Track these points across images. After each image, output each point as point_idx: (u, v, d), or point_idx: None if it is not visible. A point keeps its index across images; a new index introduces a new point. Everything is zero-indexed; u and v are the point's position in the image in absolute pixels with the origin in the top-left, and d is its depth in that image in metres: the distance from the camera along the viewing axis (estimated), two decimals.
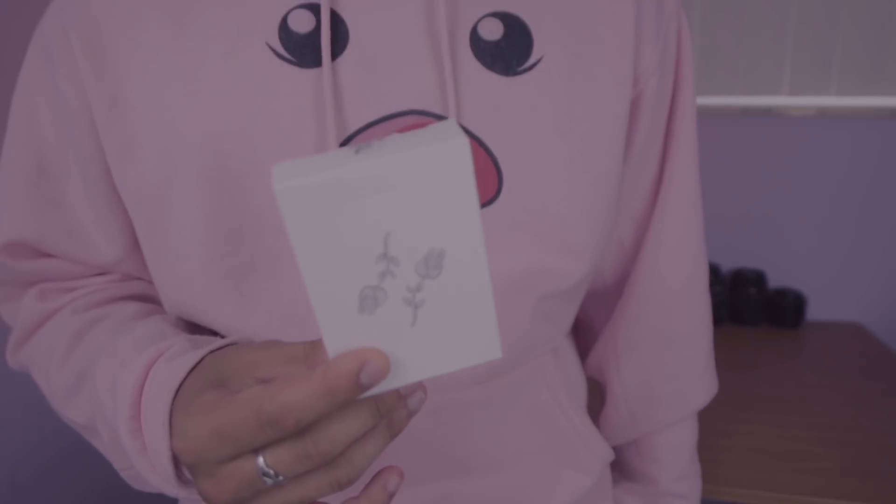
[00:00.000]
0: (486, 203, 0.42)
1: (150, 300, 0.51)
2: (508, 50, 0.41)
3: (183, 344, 0.38)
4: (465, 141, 0.23)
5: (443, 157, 0.23)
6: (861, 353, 1.35)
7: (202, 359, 0.35)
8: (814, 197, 1.51)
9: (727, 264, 1.58)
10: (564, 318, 0.53)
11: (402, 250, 0.25)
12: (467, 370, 0.45)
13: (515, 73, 0.41)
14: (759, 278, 1.50)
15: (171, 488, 0.36)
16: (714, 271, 1.50)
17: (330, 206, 0.24)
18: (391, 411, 0.29)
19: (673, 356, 0.58)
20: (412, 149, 0.23)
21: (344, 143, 0.39)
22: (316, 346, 0.29)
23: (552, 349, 0.53)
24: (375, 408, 0.28)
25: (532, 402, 0.51)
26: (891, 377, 1.23)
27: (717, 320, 1.51)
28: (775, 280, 1.56)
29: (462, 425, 0.48)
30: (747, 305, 1.49)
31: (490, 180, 0.42)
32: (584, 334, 0.65)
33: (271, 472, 0.28)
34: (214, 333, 0.45)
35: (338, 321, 0.26)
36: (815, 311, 1.55)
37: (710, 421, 1.06)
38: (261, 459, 0.28)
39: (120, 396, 0.36)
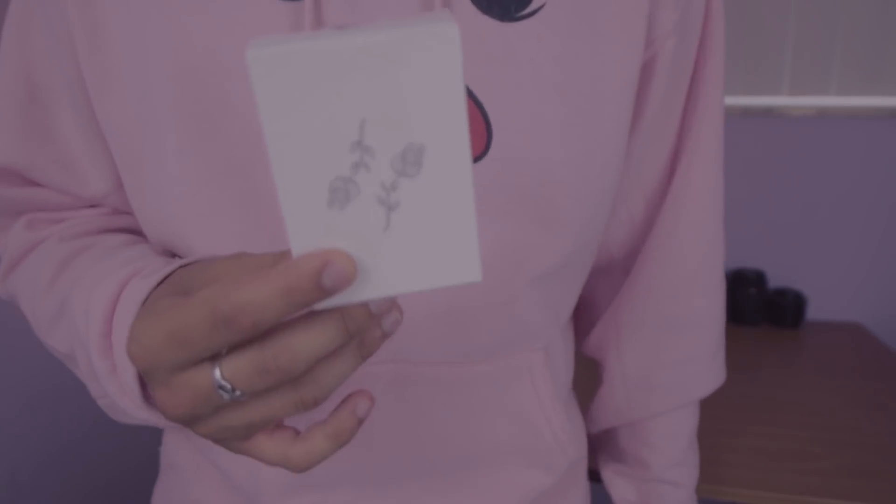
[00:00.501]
0: (473, 159, 0.39)
1: (138, 234, 0.50)
2: None
3: (158, 263, 0.37)
4: (455, 27, 0.21)
5: (431, 40, 0.22)
6: (861, 353, 1.35)
7: (171, 273, 0.34)
8: (814, 197, 1.51)
9: (727, 264, 1.58)
10: (559, 307, 0.49)
11: (378, 140, 0.23)
12: (436, 344, 0.44)
13: (513, 20, 0.38)
14: (759, 278, 1.50)
15: (140, 411, 0.35)
16: None
17: (306, 79, 0.22)
18: (362, 331, 0.27)
19: (679, 343, 0.55)
20: (399, 29, 0.22)
21: None
22: (285, 255, 0.27)
23: (543, 346, 0.49)
24: (343, 323, 0.26)
25: (515, 403, 0.49)
26: (891, 377, 1.23)
27: None
28: (775, 280, 1.56)
29: (431, 409, 0.46)
30: (747, 305, 1.50)
31: (478, 136, 0.39)
32: (585, 312, 0.62)
33: (228, 385, 0.26)
34: None
35: (305, 215, 0.24)
36: (815, 311, 1.55)
37: (710, 421, 1.06)
38: (217, 371, 0.26)
39: (92, 315, 0.35)
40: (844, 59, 1.43)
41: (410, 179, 0.23)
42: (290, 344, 0.25)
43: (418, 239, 0.24)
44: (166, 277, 0.34)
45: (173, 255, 0.44)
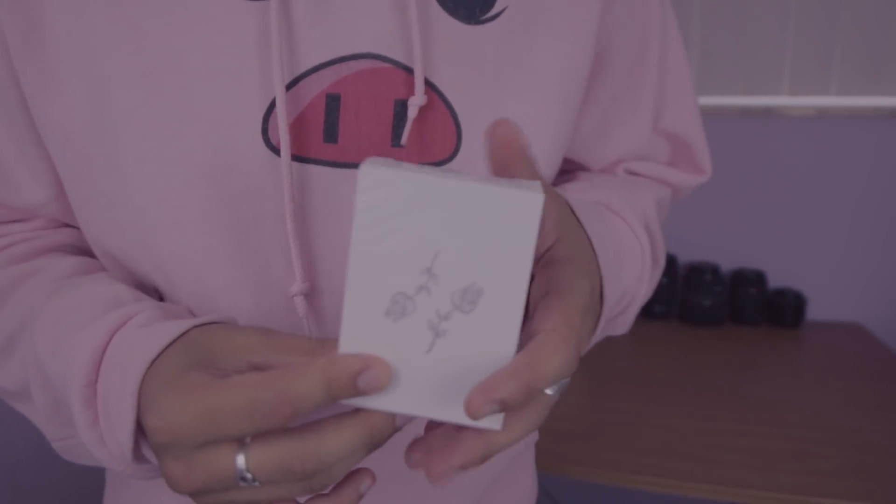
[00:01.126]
0: (443, 160, 0.40)
1: (82, 251, 0.47)
2: None
3: (154, 311, 0.35)
4: (541, 198, 0.24)
5: (520, 203, 0.24)
6: (861, 353, 1.36)
7: (186, 331, 0.32)
8: (814, 197, 1.51)
9: (727, 264, 1.58)
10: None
11: (445, 272, 0.25)
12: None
13: (478, 22, 0.39)
14: (759, 278, 1.50)
15: (117, 464, 0.33)
16: (714, 271, 1.50)
17: (403, 201, 0.25)
18: (383, 440, 0.28)
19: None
20: (494, 185, 0.24)
21: (291, 85, 0.36)
22: (326, 345, 0.28)
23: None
24: (370, 435, 0.27)
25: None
26: (890, 377, 1.23)
27: (717, 320, 1.51)
28: (775, 280, 1.56)
29: None
30: (747, 305, 1.50)
31: (448, 137, 0.39)
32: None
33: (249, 476, 0.27)
34: (152, 289, 0.42)
35: (362, 316, 0.26)
36: (815, 311, 1.55)
37: (710, 421, 1.06)
38: (241, 459, 0.26)
39: (74, 361, 0.33)
40: (844, 59, 1.43)
41: (463, 315, 0.26)
42: (319, 450, 0.26)
43: (453, 371, 0.26)
44: (178, 336, 0.32)
45: (132, 274, 0.42)
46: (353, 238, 0.25)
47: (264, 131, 0.36)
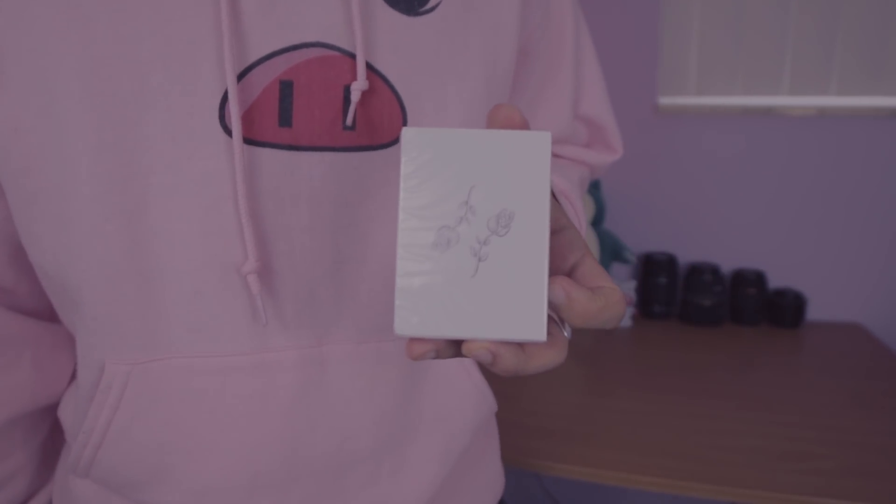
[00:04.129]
0: (392, 142, 0.42)
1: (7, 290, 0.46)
2: None
3: None
4: (548, 135, 0.29)
5: (534, 139, 0.29)
6: (861, 353, 1.36)
7: None
8: (814, 197, 1.51)
9: (727, 264, 1.58)
10: None
11: (481, 203, 0.29)
12: (384, 307, 0.45)
13: (417, 14, 0.42)
14: (759, 278, 1.50)
15: None
16: (714, 271, 1.50)
17: (439, 150, 0.30)
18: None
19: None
20: (510, 131, 0.30)
21: (245, 73, 0.38)
22: None
23: None
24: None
25: (440, 365, 0.51)
26: (891, 377, 1.23)
27: (717, 320, 1.51)
28: (775, 280, 1.56)
29: (378, 386, 0.47)
30: (747, 305, 1.50)
31: (395, 120, 0.42)
32: None
33: None
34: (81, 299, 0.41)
35: (414, 250, 0.30)
36: (815, 311, 1.55)
37: (711, 421, 1.06)
38: None
39: None
40: (845, 58, 1.43)
41: (500, 238, 0.29)
42: None
43: (497, 291, 0.29)
44: None
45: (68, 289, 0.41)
46: (402, 186, 0.30)
47: (221, 118, 0.38)
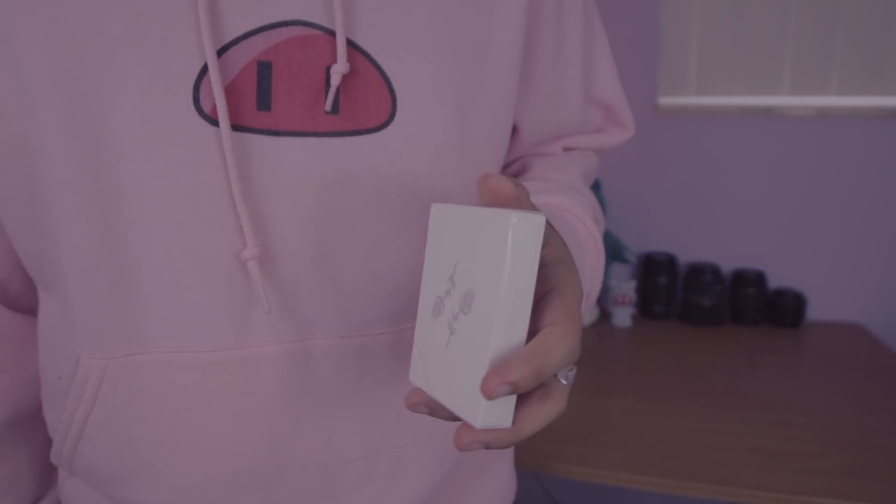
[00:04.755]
0: (378, 126, 0.40)
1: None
2: None
3: None
4: (517, 220, 0.27)
5: (502, 222, 0.28)
6: (861, 353, 1.36)
7: None
8: (814, 197, 1.51)
9: (727, 264, 1.58)
10: None
11: (459, 279, 0.31)
12: (374, 308, 0.43)
13: None
14: (759, 278, 1.50)
15: None
16: (714, 271, 1.50)
17: (449, 224, 0.32)
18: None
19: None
20: (502, 210, 0.29)
21: (220, 53, 0.36)
22: None
23: None
24: None
25: None
26: (891, 377, 1.23)
27: (717, 320, 1.51)
28: (775, 280, 1.56)
29: (379, 379, 0.46)
30: (747, 305, 1.50)
31: (383, 104, 0.39)
32: None
33: None
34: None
35: (423, 316, 0.34)
36: (815, 311, 1.55)
37: (710, 421, 1.06)
38: None
39: None
40: (845, 58, 1.43)
41: (465, 315, 0.30)
42: None
43: (457, 366, 0.30)
44: None
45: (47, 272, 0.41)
46: (427, 259, 0.34)
47: (196, 99, 0.36)
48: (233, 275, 0.39)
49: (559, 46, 0.52)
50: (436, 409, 0.32)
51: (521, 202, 0.31)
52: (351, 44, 0.38)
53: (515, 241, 0.27)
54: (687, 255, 1.61)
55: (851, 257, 1.51)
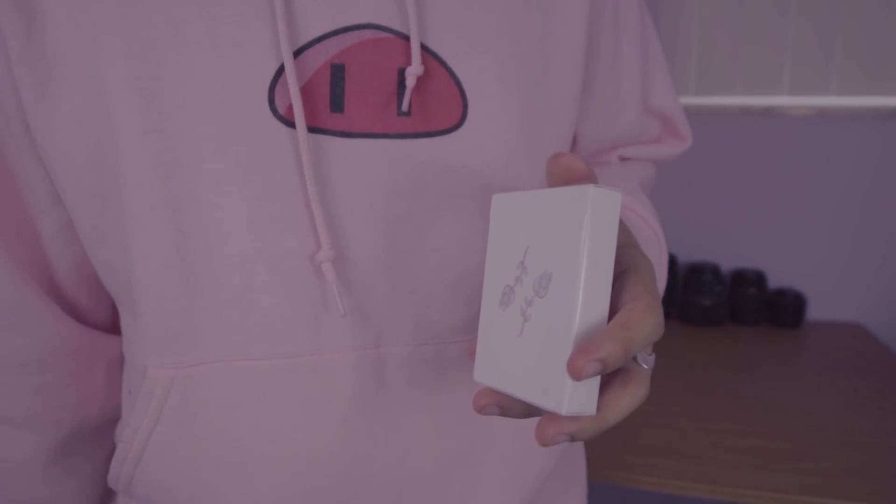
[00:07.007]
0: (451, 128, 0.40)
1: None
2: None
3: None
4: (595, 193, 0.27)
5: (576, 197, 0.27)
6: (861, 353, 1.36)
7: None
8: (814, 197, 1.51)
9: (727, 264, 1.58)
10: None
11: (532, 263, 0.29)
12: (449, 314, 0.42)
13: None
14: (759, 278, 1.50)
15: None
16: (714, 271, 1.50)
17: (511, 211, 0.31)
18: None
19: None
20: (576, 186, 0.28)
21: (296, 55, 0.37)
22: None
23: None
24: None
25: None
26: (891, 377, 1.23)
27: (717, 320, 1.51)
28: (775, 280, 1.56)
29: (450, 388, 0.44)
30: (747, 305, 1.50)
31: (454, 105, 0.40)
32: None
33: None
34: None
35: (489, 307, 0.32)
36: (815, 311, 1.55)
37: (711, 421, 1.06)
38: None
39: None
40: (845, 58, 1.43)
41: (541, 298, 0.28)
42: None
43: (534, 354, 0.28)
44: None
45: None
46: (489, 249, 0.33)
47: (271, 101, 0.36)
48: (306, 277, 0.38)
49: (616, 55, 0.52)
50: (508, 407, 0.30)
51: (593, 181, 0.30)
52: (422, 46, 0.39)
53: (595, 212, 0.26)
54: (687, 254, 1.61)
55: (851, 257, 1.51)
